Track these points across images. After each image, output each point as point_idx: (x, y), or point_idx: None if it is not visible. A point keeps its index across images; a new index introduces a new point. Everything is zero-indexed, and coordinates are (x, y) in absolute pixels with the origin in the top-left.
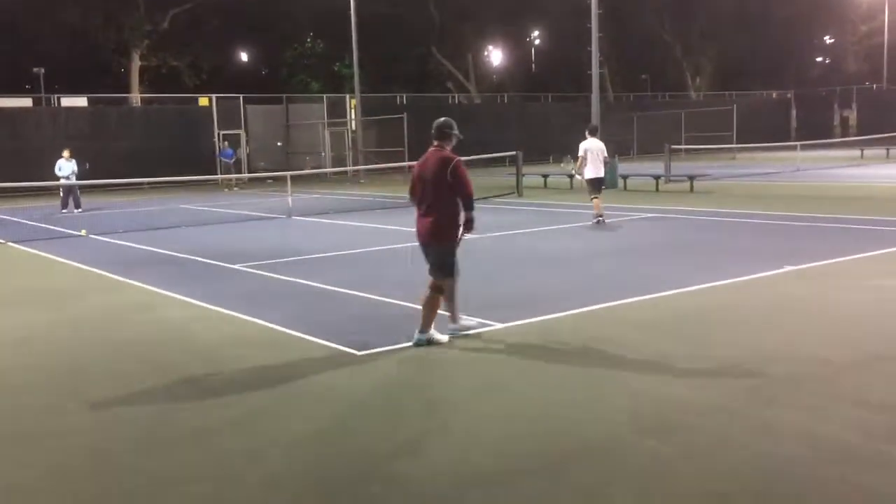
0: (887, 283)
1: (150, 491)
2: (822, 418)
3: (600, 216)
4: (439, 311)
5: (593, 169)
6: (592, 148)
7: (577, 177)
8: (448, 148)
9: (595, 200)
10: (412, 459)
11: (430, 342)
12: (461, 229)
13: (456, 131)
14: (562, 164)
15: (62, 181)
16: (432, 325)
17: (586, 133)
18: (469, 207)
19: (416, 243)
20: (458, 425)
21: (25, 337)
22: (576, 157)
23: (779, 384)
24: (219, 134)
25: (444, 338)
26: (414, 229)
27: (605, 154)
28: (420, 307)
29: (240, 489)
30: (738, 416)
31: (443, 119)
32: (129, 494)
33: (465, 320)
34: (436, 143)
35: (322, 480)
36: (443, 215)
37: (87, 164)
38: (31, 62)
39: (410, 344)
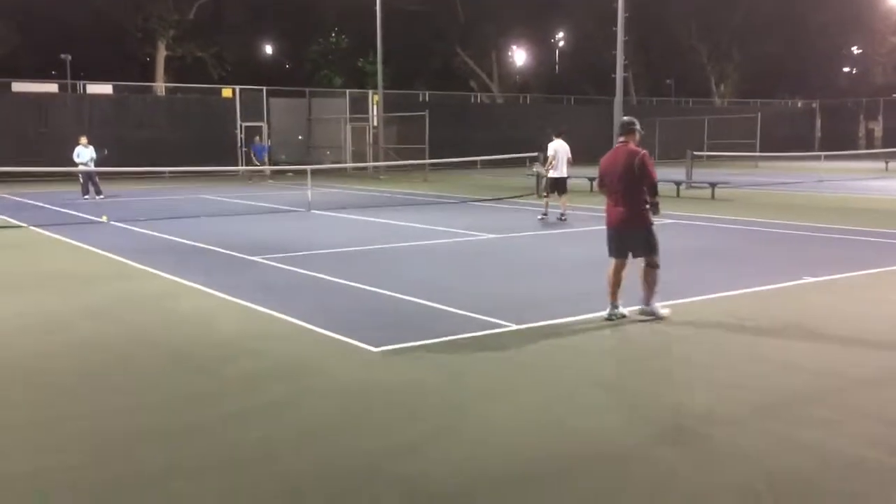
0: None
1: (160, 479)
2: (838, 433)
3: (546, 214)
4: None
5: (559, 170)
6: (560, 149)
7: (546, 174)
8: (632, 142)
9: (546, 199)
10: (421, 459)
11: (654, 315)
12: (650, 212)
13: (638, 127)
14: (534, 169)
15: (80, 167)
16: (652, 300)
17: (553, 135)
18: (654, 194)
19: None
20: (469, 427)
21: (44, 322)
22: (543, 161)
23: (795, 397)
24: (241, 125)
25: (667, 311)
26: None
27: (570, 156)
28: (603, 282)
29: (248, 481)
30: (751, 429)
31: (627, 117)
32: (140, 482)
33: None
34: (621, 138)
35: (329, 476)
36: (633, 203)
37: (106, 151)
38: (58, 48)
39: (638, 313)
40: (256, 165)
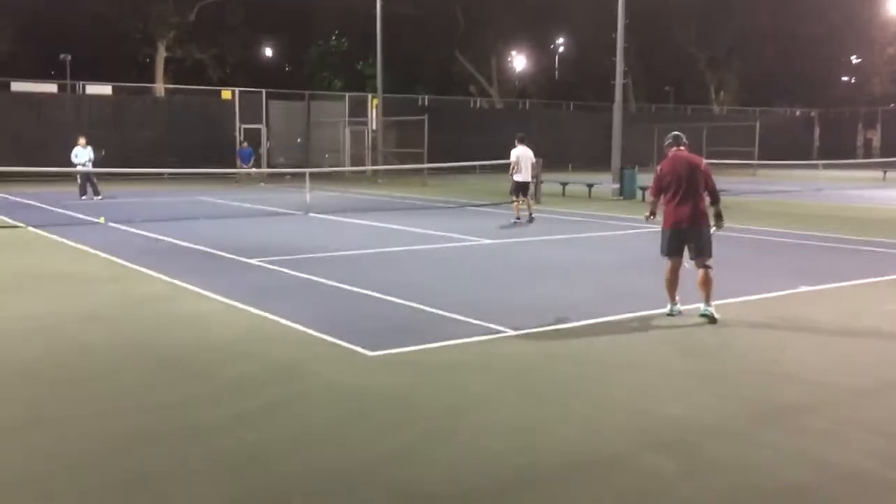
0: None
1: (152, 483)
2: (834, 444)
3: (519, 217)
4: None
5: (523, 174)
6: (523, 155)
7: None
8: (684, 150)
9: (515, 203)
10: (414, 463)
11: (713, 317)
12: (714, 224)
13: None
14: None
15: (78, 168)
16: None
17: (516, 141)
18: (717, 199)
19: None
20: (463, 432)
21: (40, 324)
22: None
23: (790, 407)
24: (240, 127)
25: (718, 314)
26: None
27: (534, 160)
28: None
29: (241, 485)
30: (745, 439)
31: (678, 132)
32: (133, 486)
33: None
34: (675, 147)
35: (321, 480)
36: (698, 203)
37: (103, 152)
38: (57, 49)
39: (699, 315)
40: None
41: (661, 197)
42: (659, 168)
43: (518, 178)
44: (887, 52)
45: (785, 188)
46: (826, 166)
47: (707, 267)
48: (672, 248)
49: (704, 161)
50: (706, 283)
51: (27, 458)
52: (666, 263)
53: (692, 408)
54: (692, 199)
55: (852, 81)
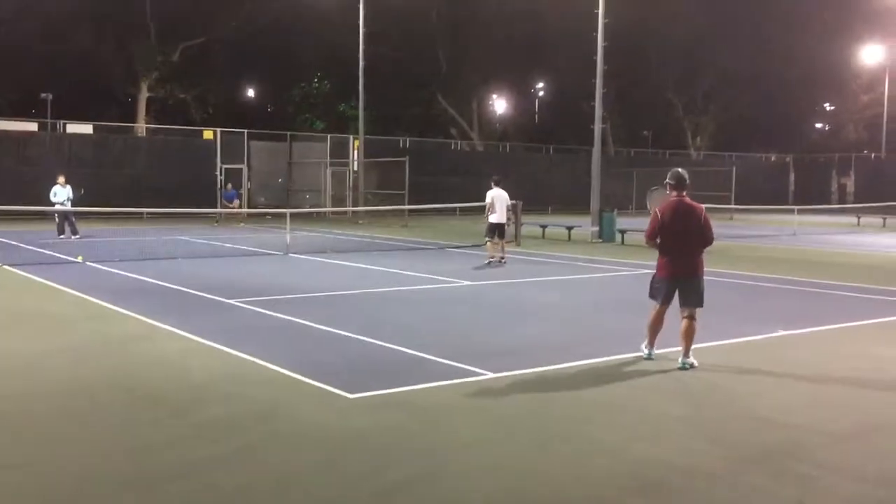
0: (881, 352)
1: None
2: (815, 490)
3: (493, 258)
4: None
5: (498, 215)
6: (498, 196)
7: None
8: (686, 195)
9: (489, 243)
10: None
11: (693, 366)
12: None
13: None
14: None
15: (57, 207)
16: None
17: (492, 183)
18: (704, 248)
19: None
20: (444, 475)
21: (15, 364)
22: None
23: (771, 451)
24: (221, 167)
25: (696, 362)
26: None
27: (510, 202)
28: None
29: None
30: (725, 482)
31: (682, 171)
32: None
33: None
34: (675, 192)
35: None
36: (698, 254)
37: (83, 191)
38: (38, 87)
39: (677, 367)
40: (228, 208)
41: (656, 240)
42: (659, 213)
43: (493, 219)
44: (861, 99)
45: (761, 233)
46: (801, 211)
47: (693, 318)
48: (664, 296)
49: (704, 211)
50: (688, 334)
51: (10, 501)
52: (653, 306)
53: (675, 451)
54: (690, 252)
55: (827, 128)
